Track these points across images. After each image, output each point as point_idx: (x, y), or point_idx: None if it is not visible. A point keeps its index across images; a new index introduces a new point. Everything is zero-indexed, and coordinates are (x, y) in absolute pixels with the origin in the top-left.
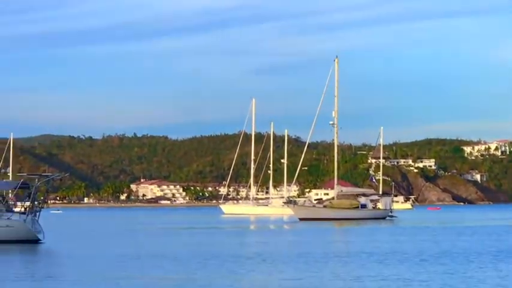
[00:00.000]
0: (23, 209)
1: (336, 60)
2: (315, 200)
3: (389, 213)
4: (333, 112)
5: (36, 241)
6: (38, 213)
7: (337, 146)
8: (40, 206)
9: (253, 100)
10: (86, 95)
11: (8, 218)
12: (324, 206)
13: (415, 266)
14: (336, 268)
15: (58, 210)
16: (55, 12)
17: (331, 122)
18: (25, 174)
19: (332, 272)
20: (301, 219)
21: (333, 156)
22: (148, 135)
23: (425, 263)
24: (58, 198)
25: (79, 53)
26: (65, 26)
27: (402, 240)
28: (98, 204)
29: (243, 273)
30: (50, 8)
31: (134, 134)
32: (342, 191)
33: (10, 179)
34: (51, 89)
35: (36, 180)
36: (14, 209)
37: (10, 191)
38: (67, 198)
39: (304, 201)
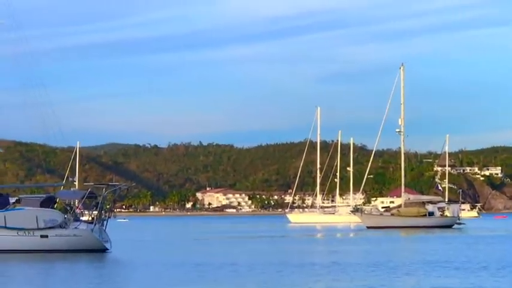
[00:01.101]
0: (90, 218)
1: (402, 68)
2: (382, 208)
3: (457, 221)
4: (399, 120)
5: (103, 250)
6: (105, 223)
7: (404, 153)
8: (107, 215)
9: (318, 108)
10: (151, 104)
11: (75, 228)
12: (392, 214)
13: (496, 274)
14: (418, 277)
15: (124, 219)
16: (124, 20)
17: (397, 130)
18: (92, 183)
19: (416, 281)
20: (368, 227)
21: (399, 164)
22: (214, 143)
23: (504, 271)
24: (124, 206)
25: (145, 62)
26: (133, 34)
27: (477, 248)
28: (163, 213)
29: (328, 281)
30: (118, 16)
31: (200, 142)
32: (409, 198)
33: (76, 188)
34: (118, 97)
35: (104, 189)
36: (81, 218)
37: (77, 200)
38: (133, 206)
39: (371, 209)
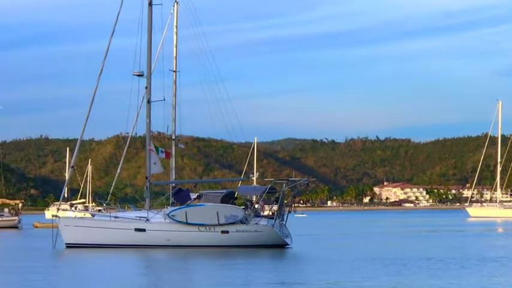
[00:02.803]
0: (270, 214)
1: None
2: None
3: None
4: None
5: (284, 245)
6: (285, 218)
7: None
8: (287, 210)
9: (500, 102)
10: (327, 99)
11: (256, 223)
12: None
13: None
14: None
15: (303, 214)
16: (295, 17)
17: None
18: (273, 179)
19: None
20: None
21: None
22: (391, 138)
23: None
24: (302, 201)
25: (318, 57)
26: (304, 30)
27: None
28: (341, 208)
29: None
30: (290, 13)
31: (377, 137)
32: None
33: (254, 183)
34: (293, 93)
35: (284, 184)
36: (261, 213)
37: (257, 196)
38: (310, 201)
39: None
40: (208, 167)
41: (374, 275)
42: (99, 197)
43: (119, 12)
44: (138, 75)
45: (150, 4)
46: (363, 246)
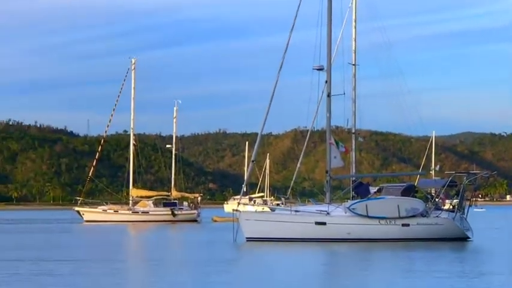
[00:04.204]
0: (450, 207)
1: None
2: None
3: None
4: None
5: (464, 239)
6: (465, 211)
7: None
8: (467, 203)
9: None
10: (506, 92)
11: (436, 216)
12: None
13: None
14: None
15: (481, 208)
16: (470, 10)
17: None
18: (453, 172)
19: None
20: None
21: None
22: None
23: None
24: (480, 195)
25: (503, 50)
26: (495, 22)
27: None
28: None
29: None
30: (466, 6)
31: None
32: None
33: (433, 177)
34: (472, 86)
35: (464, 178)
36: (442, 207)
37: (437, 189)
38: (489, 195)
39: None
40: (386, 161)
41: None
42: (277, 191)
43: (298, 6)
44: (318, 69)
45: None
46: None
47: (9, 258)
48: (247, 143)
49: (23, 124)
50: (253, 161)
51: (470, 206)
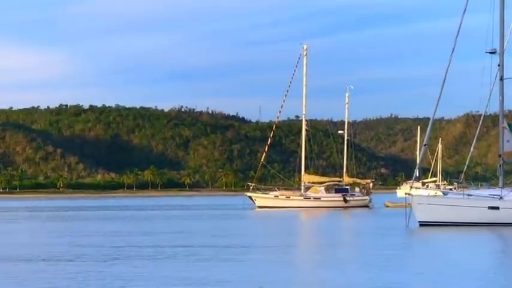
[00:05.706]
0: None
1: None
2: None
3: None
4: None
5: None
6: None
7: None
8: None
9: None
10: None
11: None
12: None
13: None
14: None
15: None
16: None
17: None
18: None
19: None
20: None
21: None
22: None
23: None
24: None
25: None
26: None
27: None
28: None
29: None
30: None
31: None
32: None
33: None
34: None
35: None
36: None
37: None
38: None
39: None
40: None
41: None
42: (450, 176)
43: None
44: (490, 53)
45: None
46: None
47: (194, 244)
48: (418, 127)
49: (195, 111)
50: (425, 145)
51: None
